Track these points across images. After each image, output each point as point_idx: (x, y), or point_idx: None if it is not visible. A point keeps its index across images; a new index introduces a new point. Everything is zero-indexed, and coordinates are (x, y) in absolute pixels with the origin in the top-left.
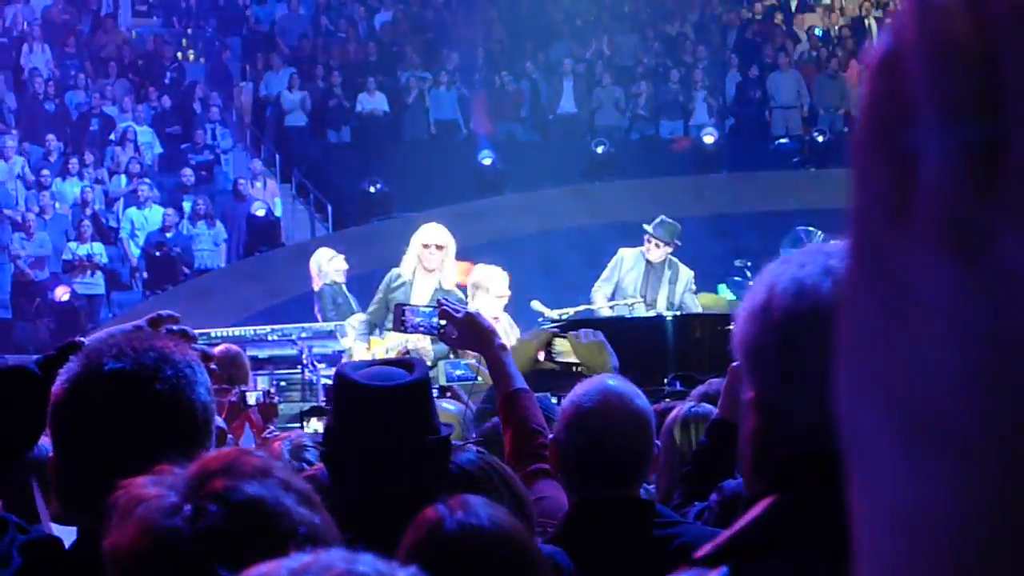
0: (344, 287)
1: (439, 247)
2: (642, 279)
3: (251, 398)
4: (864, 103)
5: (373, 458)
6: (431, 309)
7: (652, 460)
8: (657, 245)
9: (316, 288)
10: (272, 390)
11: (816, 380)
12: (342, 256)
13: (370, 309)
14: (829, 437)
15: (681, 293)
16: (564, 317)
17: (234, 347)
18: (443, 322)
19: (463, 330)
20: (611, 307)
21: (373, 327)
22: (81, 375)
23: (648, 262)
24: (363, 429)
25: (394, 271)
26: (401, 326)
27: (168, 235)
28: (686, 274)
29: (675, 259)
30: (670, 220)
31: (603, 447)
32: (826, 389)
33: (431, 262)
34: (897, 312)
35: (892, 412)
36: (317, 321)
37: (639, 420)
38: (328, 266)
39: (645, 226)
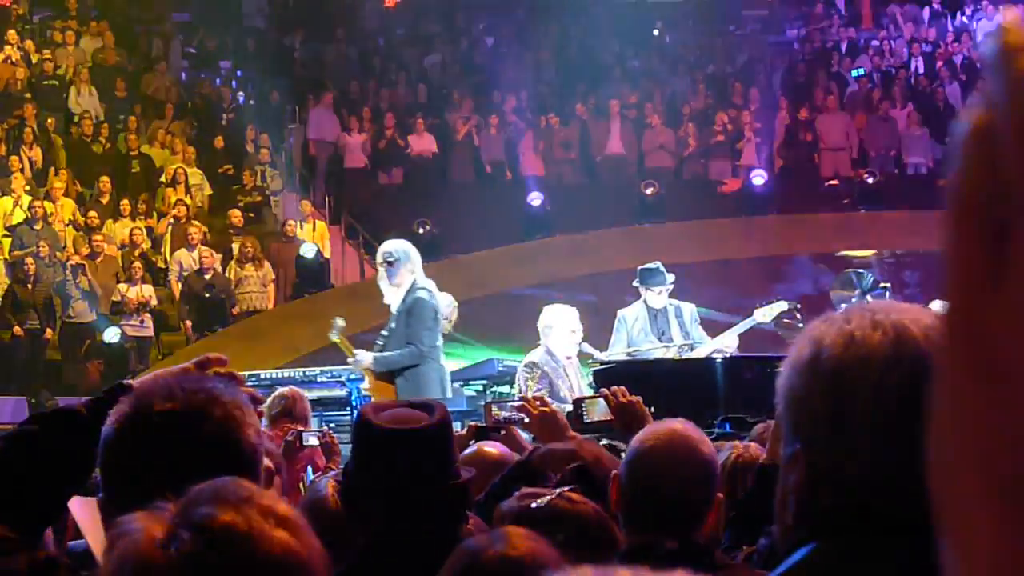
0: None
1: (388, 264)
2: (651, 326)
3: (310, 439)
4: (958, 172)
5: (391, 500)
6: (519, 403)
7: (712, 507)
8: (658, 293)
9: None
10: (328, 428)
11: (866, 431)
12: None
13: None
14: (875, 488)
15: (690, 325)
16: (613, 359)
17: (297, 389)
18: (525, 418)
19: (539, 422)
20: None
21: None
22: (131, 415)
23: (651, 309)
24: (381, 471)
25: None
26: (490, 420)
27: (210, 276)
28: (688, 307)
29: (673, 299)
30: (650, 265)
31: (662, 489)
32: (875, 440)
33: (379, 278)
34: (990, 377)
35: (985, 475)
36: None
37: (702, 466)
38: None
39: (635, 283)
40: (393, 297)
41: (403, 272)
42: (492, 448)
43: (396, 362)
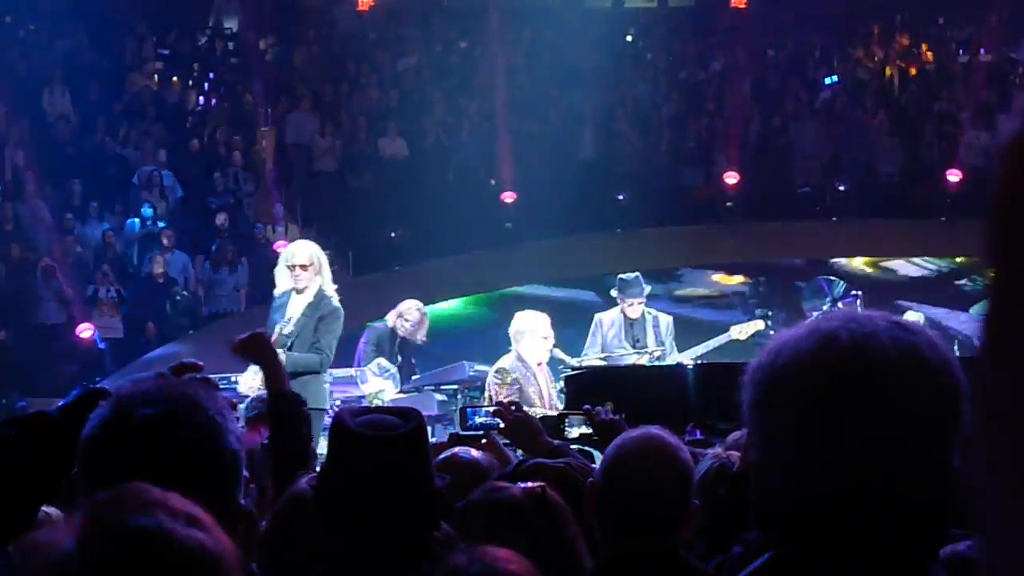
0: (390, 336)
1: (303, 267)
2: (625, 333)
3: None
4: (998, 186)
5: (365, 505)
6: (494, 409)
7: (689, 514)
8: (631, 304)
9: (384, 324)
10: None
11: (787, 439)
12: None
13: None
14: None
15: (665, 336)
16: (584, 365)
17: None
18: (500, 423)
19: (514, 428)
20: (636, 355)
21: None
22: (112, 420)
23: (627, 318)
24: (356, 476)
25: (275, 298)
26: (467, 425)
27: (187, 279)
28: (666, 319)
29: (651, 309)
30: (628, 275)
31: (640, 494)
32: (797, 451)
33: (300, 282)
34: None
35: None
36: (354, 357)
37: (679, 472)
38: (408, 314)
39: (613, 292)
40: (299, 299)
41: (317, 277)
42: (465, 453)
43: (304, 365)
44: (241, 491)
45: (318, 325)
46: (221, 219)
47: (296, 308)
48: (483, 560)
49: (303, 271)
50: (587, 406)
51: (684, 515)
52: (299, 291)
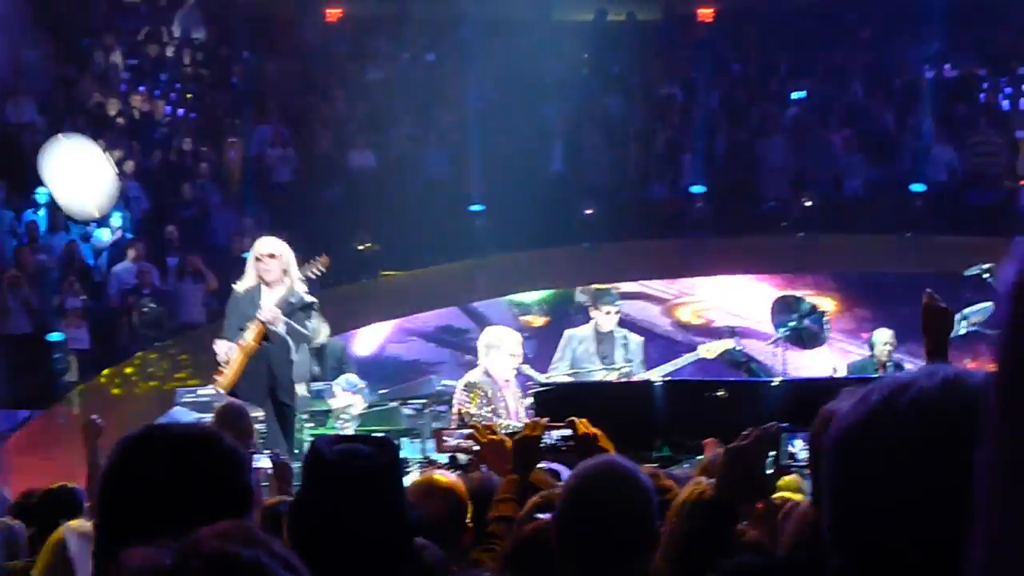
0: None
1: (271, 256)
2: (596, 349)
3: (260, 460)
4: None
5: (339, 536)
6: (467, 432)
7: (654, 538)
8: (607, 312)
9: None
10: (279, 451)
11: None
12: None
13: (223, 332)
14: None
15: (634, 355)
16: (553, 381)
17: (238, 402)
18: (475, 446)
19: (488, 451)
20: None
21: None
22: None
23: (598, 333)
24: (331, 506)
25: (235, 293)
26: (442, 447)
27: (152, 290)
28: (636, 339)
29: (623, 329)
30: (602, 286)
31: (603, 523)
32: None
33: (269, 274)
34: None
35: None
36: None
37: (640, 499)
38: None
39: (586, 303)
40: (269, 296)
41: (286, 276)
42: (443, 476)
43: (298, 335)
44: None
45: (295, 315)
46: (178, 231)
47: (269, 301)
48: None
49: (271, 260)
50: (572, 419)
51: (648, 541)
52: (267, 283)
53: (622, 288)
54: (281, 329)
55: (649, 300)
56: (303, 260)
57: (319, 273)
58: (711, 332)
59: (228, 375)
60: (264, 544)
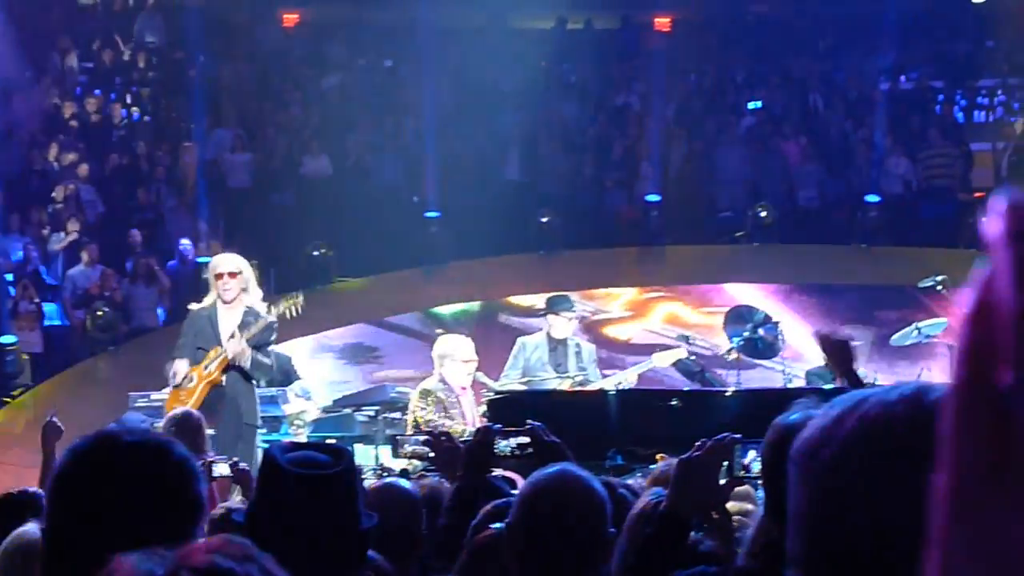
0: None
1: (232, 275)
2: (549, 357)
3: (220, 469)
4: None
5: (294, 544)
6: (423, 439)
7: (608, 548)
8: (569, 319)
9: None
10: (237, 459)
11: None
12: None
13: (178, 351)
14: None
15: (588, 364)
16: (507, 389)
17: (194, 411)
18: (431, 453)
19: (445, 457)
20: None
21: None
22: (97, 444)
23: (551, 339)
24: (285, 514)
25: (192, 312)
26: (398, 453)
27: (108, 294)
28: (588, 347)
29: (576, 337)
30: (561, 294)
31: (557, 533)
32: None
33: (228, 293)
34: (994, 564)
35: None
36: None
37: (594, 508)
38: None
39: (543, 308)
40: (228, 317)
41: (244, 293)
42: (400, 483)
43: (259, 367)
44: (201, 536)
45: (259, 341)
46: (136, 235)
47: (228, 325)
48: None
49: (231, 279)
50: (531, 423)
51: (602, 551)
52: (227, 302)
53: (537, 305)
54: (246, 364)
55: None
56: (276, 299)
57: (295, 315)
58: (631, 349)
59: (188, 403)
60: (257, 561)
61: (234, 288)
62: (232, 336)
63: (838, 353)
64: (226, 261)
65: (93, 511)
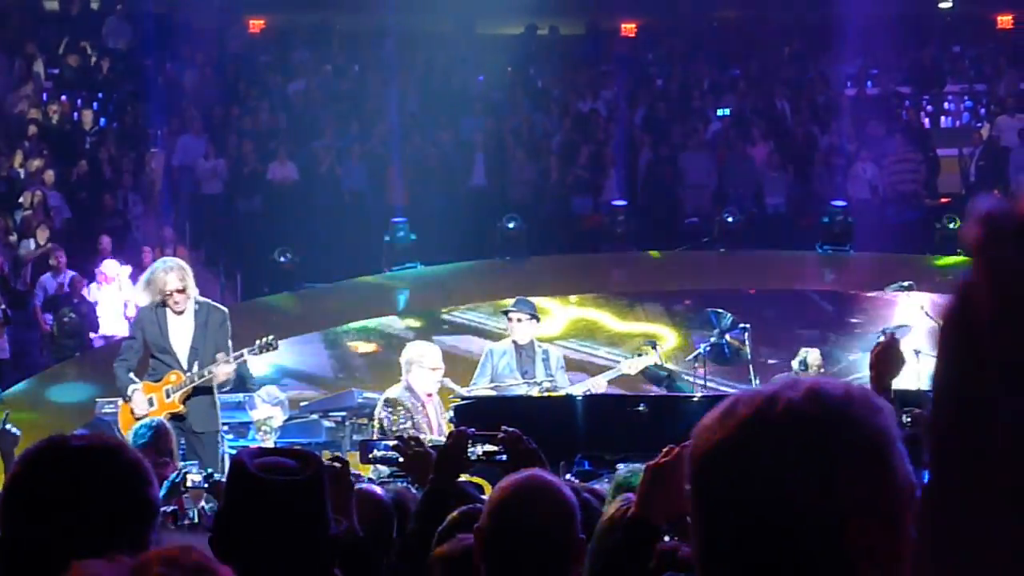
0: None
1: (180, 291)
2: (516, 363)
3: (194, 479)
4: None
5: (262, 549)
6: (394, 443)
7: (578, 552)
8: (520, 320)
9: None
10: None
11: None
12: None
13: (127, 352)
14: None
15: (555, 370)
16: (474, 395)
17: (164, 421)
18: (400, 458)
19: (413, 463)
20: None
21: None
22: (47, 448)
23: (518, 346)
24: (253, 519)
25: (140, 311)
26: (367, 458)
27: (76, 301)
28: (556, 352)
29: (543, 343)
30: (527, 299)
31: (527, 538)
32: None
33: (179, 306)
34: (967, 567)
35: None
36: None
37: (563, 512)
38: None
39: (502, 308)
40: (179, 321)
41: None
42: (372, 489)
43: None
44: (154, 537)
45: (220, 333)
46: (106, 241)
47: (181, 330)
48: None
49: (180, 295)
50: (507, 428)
51: (572, 556)
52: (178, 314)
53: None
54: (228, 384)
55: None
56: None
57: (269, 349)
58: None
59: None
60: (213, 572)
61: (183, 301)
62: (220, 362)
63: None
64: (172, 279)
65: (44, 516)
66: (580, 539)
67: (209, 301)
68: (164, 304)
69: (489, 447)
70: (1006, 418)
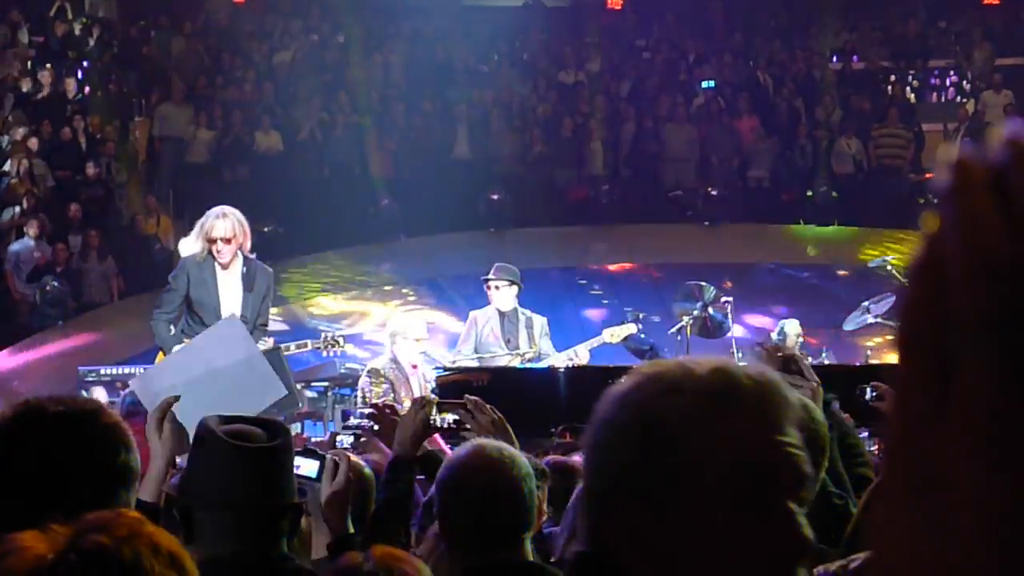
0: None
1: (225, 241)
2: (500, 330)
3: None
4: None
5: (227, 514)
6: (370, 411)
7: (535, 515)
8: (497, 287)
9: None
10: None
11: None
12: None
13: (166, 306)
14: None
15: (539, 337)
16: (457, 365)
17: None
18: (375, 426)
19: (389, 429)
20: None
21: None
22: (25, 414)
23: (501, 313)
24: (218, 484)
25: (185, 260)
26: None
27: (58, 269)
28: (539, 320)
29: (525, 309)
30: (507, 264)
31: (475, 511)
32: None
33: (223, 257)
34: (930, 509)
35: None
36: None
37: (512, 483)
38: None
39: (485, 277)
40: (226, 277)
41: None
42: (355, 459)
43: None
44: (133, 502)
45: (262, 305)
46: (85, 209)
47: (230, 289)
48: (378, 558)
49: (225, 244)
50: (470, 397)
51: (523, 525)
52: (223, 266)
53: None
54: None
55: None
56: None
57: (335, 345)
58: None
59: None
60: (148, 538)
61: (227, 252)
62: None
63: (784, 369)
64: (219, 226)
65: (19, 480)
66: (530, 509)
67: (258, 261)
68: (211, 254)
69: (456, 416)
70: (970, 375)
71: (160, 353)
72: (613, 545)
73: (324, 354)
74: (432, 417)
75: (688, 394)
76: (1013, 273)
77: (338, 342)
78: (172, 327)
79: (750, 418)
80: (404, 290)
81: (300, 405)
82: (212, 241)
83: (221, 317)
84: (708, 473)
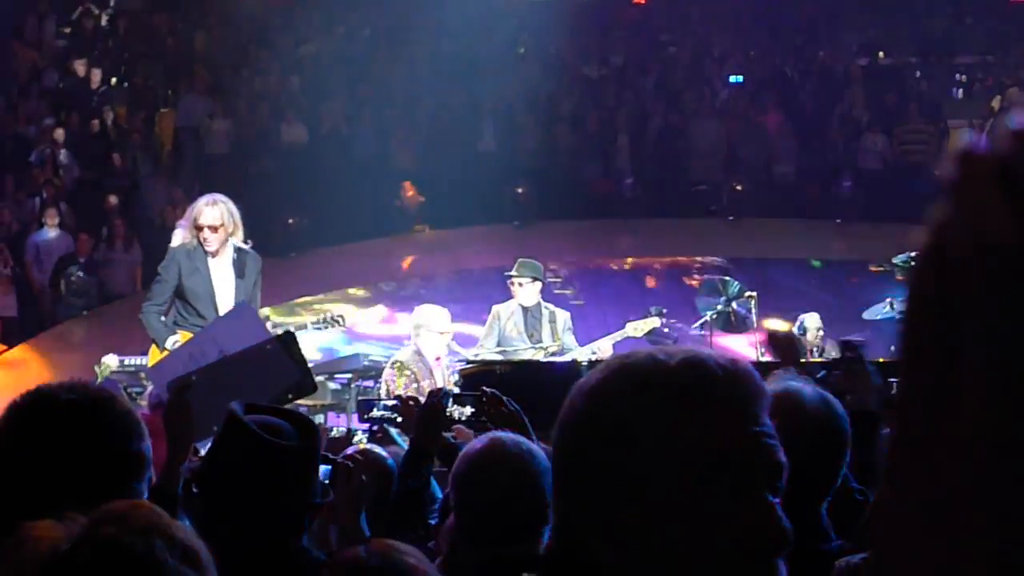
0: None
1: (212, 228)
2: (524, 325)
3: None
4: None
5: (249, 509)
6: (393, 403)
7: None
8: (521, 284)
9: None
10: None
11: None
12: None
13: (156, 297)
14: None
15: (562, 332)
16: (480, 358)
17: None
18: (399, 418)
19: (412, 421)
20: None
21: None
22: (37, 401)
23: (524, 308)
24: (244, 478)
25: (174, 250)
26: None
27: (82, 260)
28: (563, 315)
29: (549, 304)
30: (530, 260)
31: (491, 506)
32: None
33: (209, 245)
34: (932, 501)
35: None
36: None
37: (529, 477)
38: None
39: (508, 273)
40: (216, 264)
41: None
42: (378, 451)
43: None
44: (146, 491)
45: (253, 291)
46: (113, 200)
47: (223, 278)
48: (382, 553)
49: (212, 232)
50: (487, 390)
51: (541, 519)
52: (211, 254)
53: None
54: None
55: None
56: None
57: (335, 324)
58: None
59: None
60: (164, 531)
61: (214, 241)
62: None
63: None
64: (208, 213)
65: (31, 467)
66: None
67: (245, 248)
68: (199, 242)
69: (471, 409)
70: (974, 365)
71: (153, 346)
72: (586, 540)
73: (322, 329)
74: (449, 409)
75: (659, 388)
76: (1019, 263)
77: (337, 321)
78: (163, 318)
79: (723, 410)
80: (427, 283)
81: (315, 388)
82: (200, 228)
83: (217, 305)
84: (681, 467)
